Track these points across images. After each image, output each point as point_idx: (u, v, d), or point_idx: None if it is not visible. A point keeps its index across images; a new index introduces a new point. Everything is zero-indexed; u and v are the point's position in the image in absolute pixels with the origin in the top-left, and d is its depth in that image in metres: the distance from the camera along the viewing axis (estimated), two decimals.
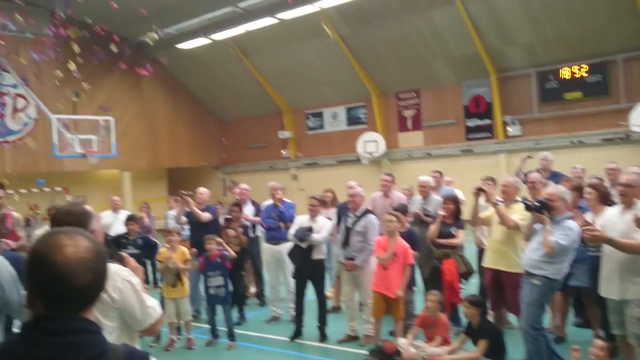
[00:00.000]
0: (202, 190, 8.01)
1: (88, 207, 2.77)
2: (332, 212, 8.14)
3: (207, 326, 7.08)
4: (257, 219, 7.93)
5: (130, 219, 7.84)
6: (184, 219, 8.05)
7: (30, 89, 15.72)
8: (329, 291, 7.91)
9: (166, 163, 22.24)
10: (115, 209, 10.28)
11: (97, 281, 1.52)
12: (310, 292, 6.87)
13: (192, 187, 10.74)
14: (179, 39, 18.41)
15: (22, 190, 16.78)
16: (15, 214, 7.18)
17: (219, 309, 6.92)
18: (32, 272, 1.49)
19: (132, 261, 2.77)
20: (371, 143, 18.41)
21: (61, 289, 1.45)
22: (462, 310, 5.81)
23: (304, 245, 6.68)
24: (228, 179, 23.33)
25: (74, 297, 1.47)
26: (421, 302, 6.89)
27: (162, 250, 6.94)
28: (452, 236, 6.45)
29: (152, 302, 2.58)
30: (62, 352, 1.45)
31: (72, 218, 2.61)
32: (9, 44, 15.23)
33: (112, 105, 18.07)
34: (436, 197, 7.33)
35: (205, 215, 7.62)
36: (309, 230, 6.65)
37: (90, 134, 14.87)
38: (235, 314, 7.65)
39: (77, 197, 12.18)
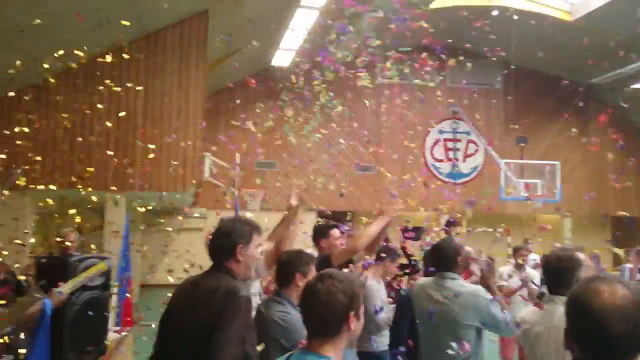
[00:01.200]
0: None
1: (578, 254, 2.78)
2: None
3: None
4: None
5: None
6: (638, 275, 7.46)
7: (480, 135, 17.08)
8: None
9: (611, 210, 20.63)
10: None
11: (634, 333, 1.45)
12: None
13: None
14: (633, 79, 17.04)
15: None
16: (468, 249, 7.86)
17: None
18: (570, 314, 1.54)
19: None
20: None
21: (594, 334, 1.45)
22: None
23: None
24: None
25: (606, 344, 1.45)
26: None
27: None
28: None
29: None
30: None
31: (560, 262, 2.70)
32: (458, 94, 17.08)
33: (556, 150, 17.90)
34: None
35: None
36: None
37: (535, 179, 15.12)
38: None
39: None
